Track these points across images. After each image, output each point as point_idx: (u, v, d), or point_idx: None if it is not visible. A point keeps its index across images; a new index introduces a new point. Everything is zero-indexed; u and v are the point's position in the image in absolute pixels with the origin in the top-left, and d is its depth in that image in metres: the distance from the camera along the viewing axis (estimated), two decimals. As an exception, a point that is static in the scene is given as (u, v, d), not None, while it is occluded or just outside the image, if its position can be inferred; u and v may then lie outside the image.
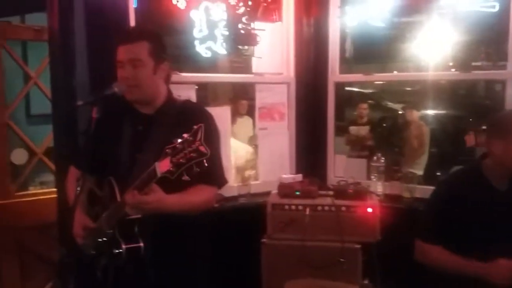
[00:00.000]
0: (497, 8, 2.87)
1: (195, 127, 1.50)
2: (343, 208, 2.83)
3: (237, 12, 3.16)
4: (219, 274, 2.23)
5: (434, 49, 3.13)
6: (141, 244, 1.79)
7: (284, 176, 3.16)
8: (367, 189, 2.99)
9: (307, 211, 2.85)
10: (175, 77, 2.39)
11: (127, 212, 1.73)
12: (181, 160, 1.49)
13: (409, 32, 3.48)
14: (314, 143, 3.54)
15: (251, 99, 3.80)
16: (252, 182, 3.35)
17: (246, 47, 3.30)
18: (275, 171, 3.33)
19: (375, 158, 3.28)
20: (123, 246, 1.77)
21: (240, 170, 3.40)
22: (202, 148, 1.48)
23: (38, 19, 3.33)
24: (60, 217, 2.70)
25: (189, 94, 2.95)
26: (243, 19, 3.19)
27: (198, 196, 1.88)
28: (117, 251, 1.78)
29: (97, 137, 1.84)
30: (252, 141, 3.67)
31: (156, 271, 1.88)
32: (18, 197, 3.43)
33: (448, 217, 2.14)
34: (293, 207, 2.88)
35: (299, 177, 3.18)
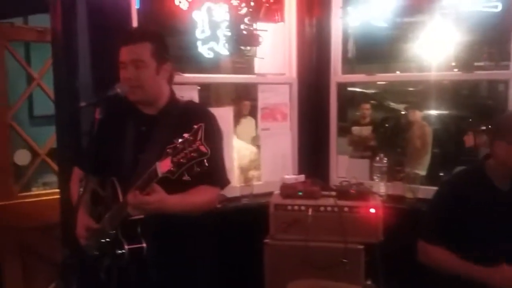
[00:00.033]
0: (499, 8, 2.87)
1: (195, 126, 1.50)
2: (346, 209, 2.82)
3: (240, 12, 3.16)
4: (222, 274, 2.22)
5: (436, 49, 3.12)
6: (144, 245, 1.79)
7: (287, 176, 3.15)
8: (369, 189, 2.97)
9: (310, 211, 2.84)
10: (178, 78, 2.38)
11: (130, 213, 1.73)
12: (181, 160, 1.49)
13: (412, 32, 3.48)
14: (317, 144, 3.53)
15: (254, 99, 3.80)
16: (255, 183, 3.35)
17: (248, 47, 3.30)
18: (278, 171, 3.33)
19: (377, 158, 3.28)
20: (126, 247, 1.77)
21: (244, 170, 3.40)
22: (202, 148, 1.48)
23: (41, 20, 3.33)
24: (63, 218, 2.71)
25: (192, 95, 2.94)
26: (246, 20, 3.19)
27: (200, 197, 1.88)
28: (120, 251, 1.78)
29: (100, 138, 1.84)
30: (255, 141, 3.67)
31: (158, 271, 1.88)
32: (21, 198, 3.45)
33: (451, 218, 2.14)
34: (296, 207, 2.87)
35: (302, 177, 3.17)
